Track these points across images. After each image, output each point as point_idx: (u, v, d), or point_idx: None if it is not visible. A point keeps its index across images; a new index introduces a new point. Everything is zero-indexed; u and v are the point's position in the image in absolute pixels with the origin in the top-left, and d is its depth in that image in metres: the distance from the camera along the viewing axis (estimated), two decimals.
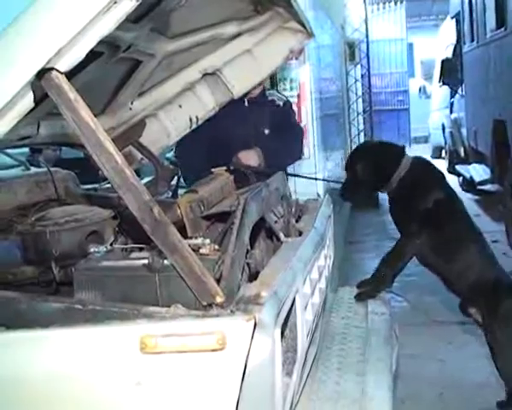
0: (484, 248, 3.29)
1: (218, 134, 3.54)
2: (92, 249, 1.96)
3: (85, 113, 1.57)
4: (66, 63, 1.55)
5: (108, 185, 2.84)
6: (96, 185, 3.23)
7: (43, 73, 1.53)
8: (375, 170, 3.30)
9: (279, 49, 2.94)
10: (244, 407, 1.47)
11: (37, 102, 1.62)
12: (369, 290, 3.10)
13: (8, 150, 3.45)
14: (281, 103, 3.87)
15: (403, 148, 3.39)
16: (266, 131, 3.73)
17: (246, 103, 3.67)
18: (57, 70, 1.54)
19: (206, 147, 3.56)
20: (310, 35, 2.89)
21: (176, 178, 3.33)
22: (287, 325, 1.75)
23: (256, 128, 3.68)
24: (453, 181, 10.70)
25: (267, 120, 3.74)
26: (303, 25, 2.81)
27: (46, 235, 2.14)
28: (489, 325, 3.16)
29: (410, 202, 3.24)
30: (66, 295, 1.91)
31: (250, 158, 3.55)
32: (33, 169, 3.21)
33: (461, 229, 3.28)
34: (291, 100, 4.42)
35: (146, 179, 3.01)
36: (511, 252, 6.74)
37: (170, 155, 7.57)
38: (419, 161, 3.39)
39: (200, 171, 2.99)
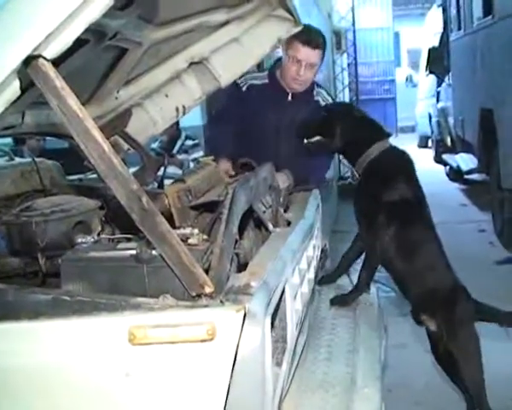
0: (442, 252, 3.02)
1: (253, 121, 3.45)
2: (79, 240, 1.94)
3: (72, 101, 1.55)
4: (53, 51, 1.52)
5: (94, 176, 2.81)
6: (82, 176, 3.19)
7: (29, 60, 1.51)
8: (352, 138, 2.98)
9: (267, 37, 2.92)
10: (234, 398, 1.46)
11: (23, 90, 1.60)
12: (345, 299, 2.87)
13: None
14: None
15: (387, 133, 3.07)
16: None
17: (289, 97, 3.49)
18: (44, 57, 1.52)
19: (239, 131, 3.45)
20: (297, 23, 2.87)
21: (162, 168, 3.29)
22: (276, 314, 1.74)
23: (291, 125, 3.36)
24: (440, 170, 10.75)
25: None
26: (290, 13, 2.79)
27: (32, 225, 2.12)
28: (448, 330, 2.89)
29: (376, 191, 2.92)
30: (54, 287, 1.89)
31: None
32: (18, 159, 3.16)
33: (424, 229, 3.02)
34: None
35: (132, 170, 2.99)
36: (498, 241, 6.77)
37: (155, 145, 7.55)
38: (393, 150, 3.05)
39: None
